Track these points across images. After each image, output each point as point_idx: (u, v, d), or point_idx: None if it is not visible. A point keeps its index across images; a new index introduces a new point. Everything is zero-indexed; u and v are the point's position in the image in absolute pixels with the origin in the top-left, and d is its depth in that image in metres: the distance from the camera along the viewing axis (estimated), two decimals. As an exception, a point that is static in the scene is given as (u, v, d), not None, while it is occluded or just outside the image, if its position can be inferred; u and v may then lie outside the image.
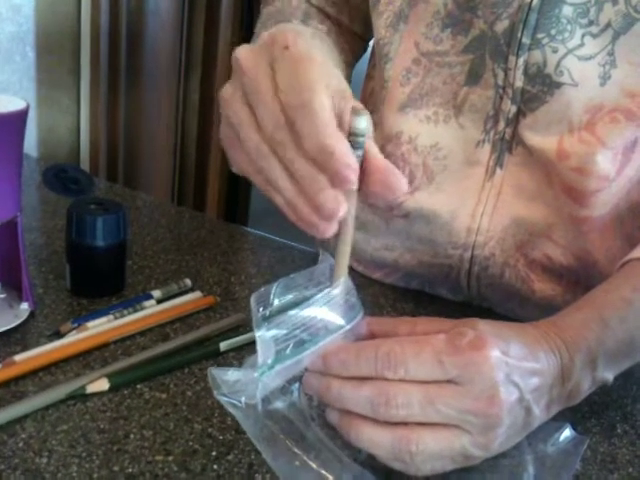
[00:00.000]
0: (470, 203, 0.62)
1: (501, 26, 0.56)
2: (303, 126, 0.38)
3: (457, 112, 0.61)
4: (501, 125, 0.59)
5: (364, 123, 0.40)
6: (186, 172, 1.28)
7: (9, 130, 0.53)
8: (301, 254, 0.80)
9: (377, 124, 0.66)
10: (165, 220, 0.87)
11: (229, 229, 0.87)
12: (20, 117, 0.53)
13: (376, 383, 0.41)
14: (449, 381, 0.41)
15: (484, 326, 0.43)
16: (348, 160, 0.38)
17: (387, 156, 0.64)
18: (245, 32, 1.30)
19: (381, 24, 0.65)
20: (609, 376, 0.48)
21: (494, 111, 0.59)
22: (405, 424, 0.41)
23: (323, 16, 0.70)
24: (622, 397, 0.58)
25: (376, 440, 0.41)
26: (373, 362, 0.41)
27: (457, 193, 0.62)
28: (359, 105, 0.41)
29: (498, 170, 0.61)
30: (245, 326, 0.61)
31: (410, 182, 0.64)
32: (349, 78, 0.69)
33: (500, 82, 0.58)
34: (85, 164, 1.16)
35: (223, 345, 0.56)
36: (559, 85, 0.56)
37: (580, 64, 0.55)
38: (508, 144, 0.60)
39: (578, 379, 0.45)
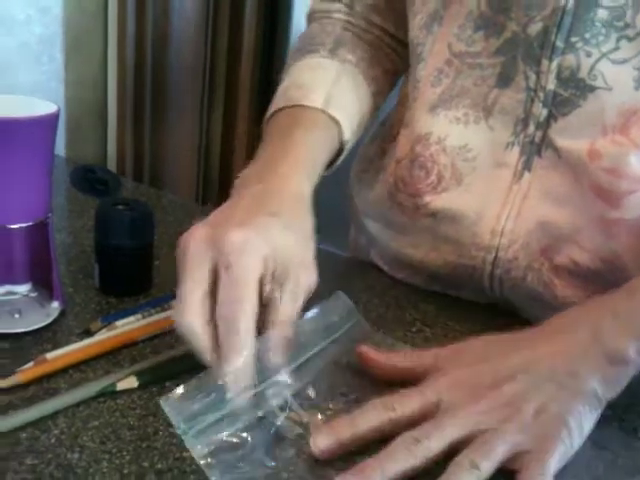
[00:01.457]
0: (496, 205, 0.62)
1: (534, 29, 0.56)
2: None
3: (487, 114, 0.61)
4: (531, 128, 0.59)
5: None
6: (210, 172, 1.29)
7: (41, 133, 0.54)
8: (327, 256, 0.80)
9: (408, 124, 0.67)
10: (191, 220, 0.87)
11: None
12: (51, 120, 0.55)
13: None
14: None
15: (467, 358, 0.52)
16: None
17: (416, 157, 0.65)
18: (268, 41, 1.31)
19: (415, 25, 0.65)
20: None
21: (524, 114, 0.59)
22: None
23: (357, 39, 0.71)
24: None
25: None
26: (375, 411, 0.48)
27: (484, 194, 0.63)
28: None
29: (526, 173, 0.61)
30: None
31: (438, 182, 0.64)
32: (375, 107, 0.71)
33: (532, 85, 0.58)
34: (112, 164, 1.17)
35: (249, 344, 0.57)
36: (592, 89, 0.55)
37: (614, 68, 0.55)
38: (537, 147, 0.60)
39: (613, 341, 0.49)
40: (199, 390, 0.48)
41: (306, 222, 0.55)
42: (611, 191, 0.57)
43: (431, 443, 0.44)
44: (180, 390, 0.47)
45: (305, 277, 0.51)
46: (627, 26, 0.53)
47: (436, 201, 0.65)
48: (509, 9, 0.57)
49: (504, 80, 0.60)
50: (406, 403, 0.48)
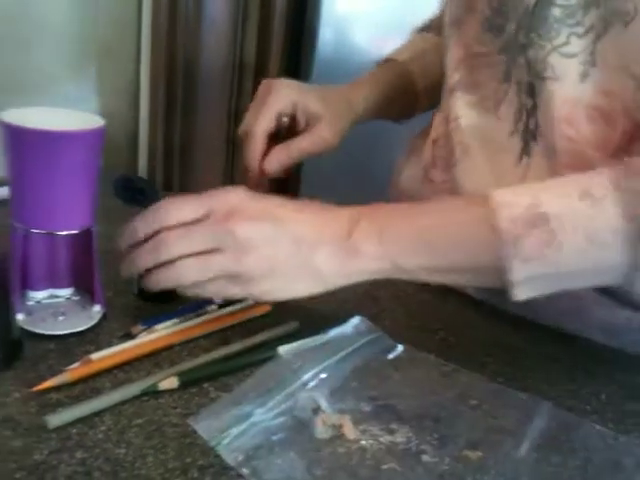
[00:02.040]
0: (497, 184, 0.67)
1: (512, 27, 0.63)
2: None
3: (496, 105, 0.67)
4: (524, 117, 0.65)
5: None
6: (237, 181, 1.33)
7: (88, 146, 0.57)
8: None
9: (440, 107, 0.78)
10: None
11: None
12: (98, 134, 0.58)
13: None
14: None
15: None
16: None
17: (443, 133, 0.74)
18: (295, 48, 1.35)
19: (445, 21, 0.73)
20: (405, 263, 0.55)
21: (519, 105, 0.65)
22: None
23: None
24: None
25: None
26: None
27: (487, 174, 0.68)
28: None
29: (524, 158, 0.65)
30: (299, 333, 0.64)
31: (451, 156, 0.72)
32: None
33: (518, 78, 0.64)
34: (143, 172, 1.21)
35: (281, 349, 0.60)
36: (544, 79, 0.61)
37: (563, 60, 0.59)
38: (532, 134, 0.64)
39: (359, 239, 0.55)
40: (224, 407, 0.51)
41: (342, 110, 0.78)
42: None
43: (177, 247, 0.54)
44: (206, 410, 0.51)
45: (319, 130, 0.75)
46: (577, 24, 0.58)
47: (450, 176, 0.72)
48: (507, 11, 0.63)
49: (507, 76, 0.65)
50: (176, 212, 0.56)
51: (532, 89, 0.63)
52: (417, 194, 0.79)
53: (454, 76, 0.71)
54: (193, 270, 0.55)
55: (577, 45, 0.58)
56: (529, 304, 0.69)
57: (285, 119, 0.75)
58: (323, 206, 0.57)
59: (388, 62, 0.86)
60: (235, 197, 0.56)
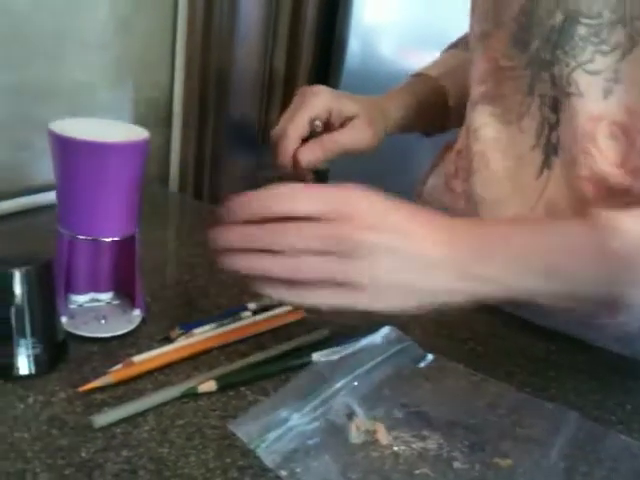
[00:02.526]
0: (518, 195, 0.69)
1: (537, 44, 0.64)
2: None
3: (519, 118, 0.68)
4: (546, 130, 0.66)
5: None
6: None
7: (134, 157, 0.60)
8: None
9: (465, 119, 0.78)
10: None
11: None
12: (143, 145, 0.60)
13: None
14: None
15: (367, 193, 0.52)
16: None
17: (465, 145, 0.76)
18: (324, 61, 1.37)
19: (472, 37, 0.74)
20: (519, 287, 0.51)
21: (541, 118, 0.66)
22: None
23: None
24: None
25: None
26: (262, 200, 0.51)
27: (508, 185, 0.69)
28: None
29: (545, 170, 0.66)
30: (331, 340, 0.66)
31: (470, 166, 0.73)
32: None
33: (542, 92, 0.65)
34: (174, 180, 1.24)
35: (315, 355, 0.62)
36: (568, 95, 0.62)
37: (587, 77, 0.61)
38: (554, 148, 0.66)
39: (478, 267, 0.51)
40: (262, 412, 0.53)
41: (376, 115, 0.79)
42: (583, 197, 0.63)
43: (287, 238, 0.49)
44: (245, 415, 0.53)
45: (357, 126, 0.76)
46: (602, 42, 0.59)
47: (469, 186, 0.73)
48: (531, 27, 0.65)
49: (531, 90, 0.67)
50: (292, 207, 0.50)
51: (555, 104, 0.64)
52: (438, 203, 0.80)
53: (479, 88, 0.72)
54: (312, 268, 0.49)
55: (601, 63, 0.60)
56: (553, 315, 0.71)
57: (318, 123, 0.76)
58: (434, 218, 0.53)
59: (420, 76, 0.87)
60: (360, 198, 0.51)
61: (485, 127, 0.71)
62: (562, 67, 0.62)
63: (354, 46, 1.39)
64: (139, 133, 0.61)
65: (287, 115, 0.75)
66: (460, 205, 0.76)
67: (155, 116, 1.20)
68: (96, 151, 0.58)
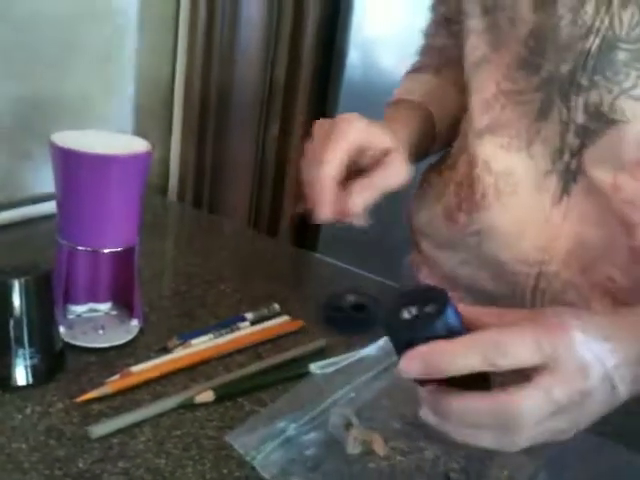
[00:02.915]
0: (537, 225, 0.67)
1: (565, 68, 0.62)
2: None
3: (528, 144, 0.66)
4: (566, 157, 0.64)
5: None
6: (263, 198, 1.36)
7: (136, 169, 0.60)
8: (375, 284, 0.85)
9: (465, 150, 0.75)
10: (249, 246, 0.94)
11: (308, 257, 0.93)
12: (145, 158, 0.60)
13: (501, 397, 0.42)
14: (545, 366, 0.43)
15: (565, 313, 0.46)
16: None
17: (465, 177, 0.73)
18: (325, 72, 1.38)
19: (467, 64, 0.73)
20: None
21: (561, 144, 0.65)
22: None
23: (458, 65, 0.79)
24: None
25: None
26: (483, 358, 0.42)
27: (525, 215, 0.68)
28: None
29: (565, 197, 0.65)
30: (329, 350, 0.66)
31: (482, 200, 0.70)
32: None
33: (564, 118, 0.63)
34: (173, 190, 1.24)
35: (312, 366, 0.62)
36: (614, 122, 0.61)
37: (633, 103, 0.60)
38: (573, 174, 0.64)
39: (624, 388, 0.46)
40: (259, 423, 0.53)
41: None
42: (629, 222, 0.62)
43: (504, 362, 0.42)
44: (242, 426, 0.52)
45: (396, 163, 0.66)
46: None
47: (480, 218, 0.71)
48: (544, 51, 0.64)
49: (543, 114, 0.65)
50: (513, 358, 0.43)
51: (585, 130, 0.62)
52: (438, 236, 0.78)
53: (482, 119, 0.70)
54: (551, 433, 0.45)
55: None
56: None
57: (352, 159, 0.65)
58: (603, 327, 0.47)
59: (405, 102, 0.80)
60: (575, 341, 0.45)
61: (495, 160, 0.69)
62: (603, 93, 0.60)
63: (354, 57, 1.40)
64: (141, 145, 0.61)
65: (315, 156, 0.63)
66: (466, 237, 0.73)
67: (155, 127, 1.20)
68: (98, 163, 0.58)
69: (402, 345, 0.43)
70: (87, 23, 1.03)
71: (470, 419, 0.43)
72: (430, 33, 0.86)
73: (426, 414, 0.45)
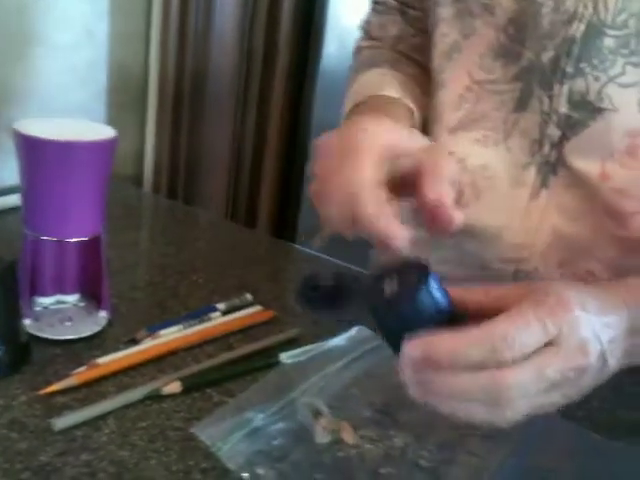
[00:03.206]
0: (516, 220, 0.66)
1: (547, 56, 0.60)
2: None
3: (506, 136, 0.65)
4: (546, 149, 0.63)
5: None
6: (240, 189, 1.34)
7: (101, 156, 0.59)
8: (354, 275, 0.84)
9: None
10: (224, 237, 0.93)
11: (284, 247, 0.92)
12: (110, 144, 0.59)
13: (491, 373, 0.41)
14: (548, 344, 0.41)
15: (559, 287, 0.44)
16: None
17: None
18: (301, 63, 1.37)
19: (436, 54, 0.70)
20: None
21: (540, 135, 0.63)
22: None
23: (410, 61, 0.76)
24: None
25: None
26: (487, 351, 0.40)
27: (503, 211, 0.66)
28: None
29: (543, 190, 0.64)
30: (301, 340, 0.65)
31: (459, 199, 0.68)
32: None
33: (545, 108, 0.62)
34: (148, 182, 1.23)
35: (283, 356, 0.61)
36: (601, 111, 0.59)
37: (620, 91, 0.58)
38: (552, 166, 0.63)
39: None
40: (227, 413, 0.52)
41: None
42: (619, 211, 0.61)
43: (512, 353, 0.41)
44: (209, 417, 0.51)
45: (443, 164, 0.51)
46: (632, 53, 0.57)
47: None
48: (524, 39, 0.62)
49: (522, 104, 0.63)
50: (521, 345, 0.41)
51: (568, 120, 0.61)
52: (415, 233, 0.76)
53: (456, 113, 0.68)
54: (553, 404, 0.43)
55: (634, 74, 0.58)
56: None
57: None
58: (600, 300, 0.46)
59: (382, 98, 0.70)
60: (577, 314, 0.43)
61: (471, 156, 0.67)
62: (589, 81, 0.59)
63: (332, 46, 1.39)
64: (106, 132, 0.60)
65: (345, 175, 0.49)
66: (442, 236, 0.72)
67: (128, 117, 1.19)
68: (60, 150, 0.57)
69: (390, 326, 0.42)
70: (56, 10, 1.01)
71: (460, 394, 0.42)
72: (380, 23, 0.80)
73: (414, 391, 0.43)
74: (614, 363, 0.45)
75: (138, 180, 1.24)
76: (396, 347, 0.42)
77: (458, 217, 0.48)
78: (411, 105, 0.69)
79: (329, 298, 0.69)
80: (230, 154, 1.33)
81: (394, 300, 0.41)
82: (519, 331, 0.41)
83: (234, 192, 1.36)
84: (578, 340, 0.42)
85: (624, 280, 0.50)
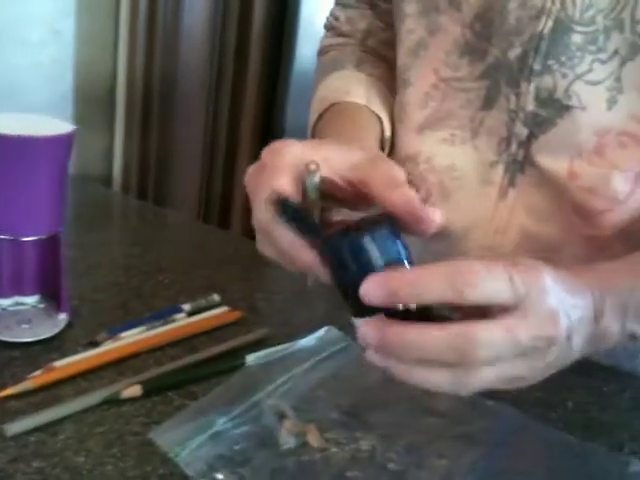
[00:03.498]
0: (484, 220, 0.65)
1: (514, 53, 0.59)
2: None
3: (473, 135, 0.64)
4: (513, 147, 0.62)
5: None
6: (212, 191, 1.33)
7: (57, 151, 0.57)
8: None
9: (394, 145, 0.70)
10: (193, 237, 0.91)
11: (254, 247, 0.90)
12: (68, 139, 0.57)
13: (461, 326, 0.39)
14: (515, 307, 0.40)
15: (534, 261, 0.43)
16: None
17: (408, 175, 0.69)
18: (275, 61, 1.35)
19: (402, 51, 0.69)
20: (638, 329, 0.47)
21: (507, 134, 0.62)
22: None
23: (377, 59, 0.74)
24: (631, 418, 0.60)
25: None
26: (449, 285, 0.39)
27: (471, 211, 0.66)
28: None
29: (511, 190, 0.64)
30: (269, 340, 0.64)
31: (427, 200, 0.67)
32: None
33: (512, 106, 0.61)
34: (117, 182, 1.20)
35: (249, 357, 0.59)
36: (568, 108, 0.58)
37: (588, 88, 0.58)
38: (520, 165, 0.62)
39: (609, 320, 0.45)
40: (188, 417, 0.51)
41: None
42: (588, 209, 0.60)
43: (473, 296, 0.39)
44: (169, 421, 0.50)
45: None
46: (600, 50, 0.57)
47: None
48: (491, 36, 0.61)
49: (489, 102, 0.63)
50: (481, 290, 0.39)
51: (535, 118, 0.60)
52: None
53: (422, 112, 0.66)
54: (521, 372, 0.42)
55: (602, 71, 0.57)
56: None
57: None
58: (568, 282, 0.44)
59: (350, 104, 0.68)
60: (548, 280, 0.42)
61: (438, 156, 0.66)
62: (557, 78, 0.58)
63: (304, 49, 1.37)
64: (63, 127, 0.58)
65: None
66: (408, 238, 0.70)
67: (97, 116, 1.17)
68: (14, 145, 0.55)
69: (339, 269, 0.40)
70: (21, 8, 0.99)
71: (422, 351, 0.39)
72: (347, 17, 0.77)
73: (370, 354, 0.41)
74: (579, 344, 0.43)
75: (107, 180, 1.22)
76: (346, 292, 0.41)
77: (438, 214, 0.46)
78: (377, 111, 0.68)
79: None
80: (202, 154, 1.31)
81: (353, 230, 0.41)
82: (483, 272, 0.39)
83: (207, 193, 1.34)
84: (548, 309, 0.41)
85: (593, 265, 0.49)
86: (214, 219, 1.34)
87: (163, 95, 1.20)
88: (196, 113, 1.27)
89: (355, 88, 0.69)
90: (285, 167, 0.44)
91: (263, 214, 0.44)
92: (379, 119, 0.69)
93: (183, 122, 1.26)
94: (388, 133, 0.69)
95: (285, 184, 0.43)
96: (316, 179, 0.43)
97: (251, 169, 0.47)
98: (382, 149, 0.69)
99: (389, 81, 0.73)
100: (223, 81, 1.29)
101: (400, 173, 0.45)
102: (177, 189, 1.28)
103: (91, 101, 1.14)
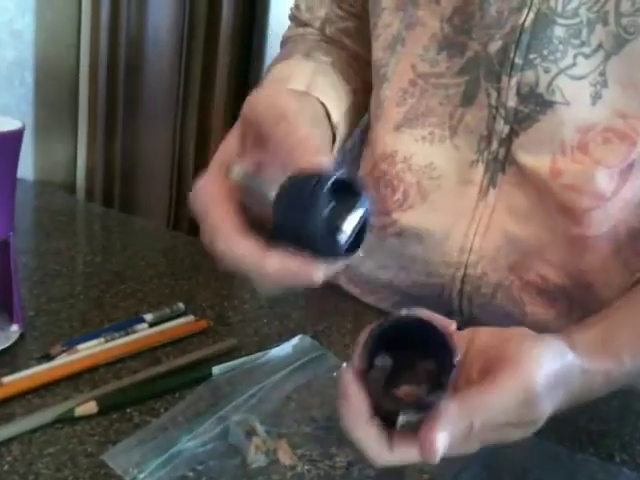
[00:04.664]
0: (463, 222, 0.62)
1: (494, 47, 0.57)
2: None
3: (452, 133, 0.62)
4: (494, 145, 0.60)
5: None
6: (182, 198, 1.28)
7: (4, 150, 0.53)
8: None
9: (371, 143, 0.68)
10: (160, 245, 0.87)
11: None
12: (15, 138, 0.53)
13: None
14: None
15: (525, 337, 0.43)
16: None
17: (381, 174, 0.65)
18: (244, 63, 1.32)
19: (378, 46, 0.66)
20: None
21: (487, 131, 0.60)
22: None
23: (331, 48, 0.71)
24: (620, 427, 0.57)
25: None
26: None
27: (451, 212, 0.63)
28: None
29: (491, 190, 0.61)
30: (238, 351, 0.60)
31: (404, 200, 0.64)
32: (356, 105, 0.68)
33: (493, 102, 0.59)
34: (81, 189, 1.16)
35: (216, 369, 0.56)
36: (551, 104, 0.56)
37: (572, 83, 0.55)
38: (501, 164, 0.60)
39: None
40: (147, 436, 0.47)
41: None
42: (573, 208, 0.58)
43: None
44: (126, 440, 0.46)
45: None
46: (583, 44, 0.55)
47: (402, 219, 0.64)
48: (471, 29, 0.59)
49: (468, 98, 0.60)
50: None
51: (517, 114, 0.58)
52: None
53: (399, 110, 0.64)
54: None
55: (585, 66, 0.55)
56: None
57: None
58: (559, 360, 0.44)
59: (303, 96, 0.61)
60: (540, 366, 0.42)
61: (416, 155, 0.63)
62: (539, 73, 0.56)
63: (274, 49, 1.34)
64: (10, 124, 0.54)
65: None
66: (384, 240, 0.66)
67: (59, 120, 1.12)
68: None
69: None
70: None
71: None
72: (307, 5, 0.73)
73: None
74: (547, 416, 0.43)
75: (70, 187, 1.17)
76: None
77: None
78: (319, 95, 0.61)
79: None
80: (171, 159, 1.28)
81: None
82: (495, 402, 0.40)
83: (176, 200, 1.30)
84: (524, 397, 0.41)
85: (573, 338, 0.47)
86: (184, 226, 1.30)
87: (128, 97, 1.16)
88: (163, 115, 1.23)
89: (296, 76, 0.63)
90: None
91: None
92: (320, 104, 0.61)
93: (150, 125, 1.22)
94: (336, 118, 0.62)
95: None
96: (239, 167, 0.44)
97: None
98: (333, 136, 0.62)
99: (345, 67, 0.69)
100: (191, 81, 1.25)
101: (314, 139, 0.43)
102: (145, 195, 1.24)
103: (52, 104, 1.10)
